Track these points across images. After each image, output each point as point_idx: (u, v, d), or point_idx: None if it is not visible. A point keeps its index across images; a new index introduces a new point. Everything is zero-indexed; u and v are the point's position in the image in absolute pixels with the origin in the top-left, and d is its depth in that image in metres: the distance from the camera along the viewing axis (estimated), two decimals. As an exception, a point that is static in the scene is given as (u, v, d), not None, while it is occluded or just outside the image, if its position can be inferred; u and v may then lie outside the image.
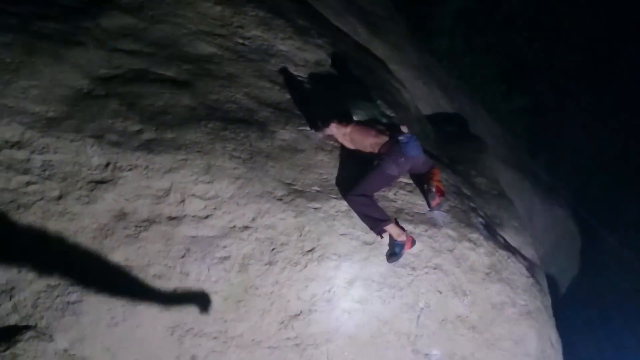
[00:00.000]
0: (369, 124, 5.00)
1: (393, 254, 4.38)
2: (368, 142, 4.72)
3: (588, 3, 13.99)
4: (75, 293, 3.41)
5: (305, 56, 5.69)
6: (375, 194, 4.59)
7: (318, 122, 4.88)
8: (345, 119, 4.97)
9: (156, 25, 4.94)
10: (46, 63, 4.02)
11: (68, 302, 3.37)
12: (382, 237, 4.41)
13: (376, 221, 4.34)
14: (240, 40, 5.38)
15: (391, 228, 4.34)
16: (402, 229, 4.45)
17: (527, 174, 10.24)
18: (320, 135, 4.91)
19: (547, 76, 13.92)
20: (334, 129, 4.85)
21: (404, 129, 4.81)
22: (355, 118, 5.32)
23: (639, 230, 12.73)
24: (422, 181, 5.01)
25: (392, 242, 4.39)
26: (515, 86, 12.12)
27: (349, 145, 4.90)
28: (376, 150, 4.65)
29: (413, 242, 4.47)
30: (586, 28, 14.29)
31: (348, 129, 4.83)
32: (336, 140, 4.98)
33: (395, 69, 7.54)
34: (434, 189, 4.81)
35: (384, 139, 4.67)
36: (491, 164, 7.29)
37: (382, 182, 4.61)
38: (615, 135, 13.80)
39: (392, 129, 4.83)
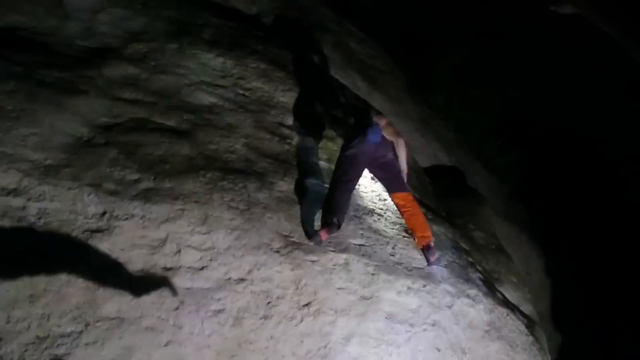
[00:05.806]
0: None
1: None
2: None
3: (583, 60, 14.33)
4: (64, 346, 3.30)
5: (305, 108, 5.74)
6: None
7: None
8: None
9: (158, 75, 5.00)
10: (47, 111, 4.03)
11: (56, 355, 3.26)
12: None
13: (326, 214, 4.45)
14: (241, 91, 5.44)
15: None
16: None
17: (523, 228, 10.20)
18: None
19: (543, 130, 14.08)
20: None
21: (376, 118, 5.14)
22: None
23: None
24: (410, 231, 5.01)
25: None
26: (511, 140, 12.21)
27: None
28: None
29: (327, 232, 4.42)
30: (581, 83, 14.58)
31: None
32: None
33: (394, 122, 7.59)
34: (432, 244, 4.80)
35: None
36: (489, 218, 7.28)
37: (347, 165, 4.75)
38: (614, 190, 13.84)
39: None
